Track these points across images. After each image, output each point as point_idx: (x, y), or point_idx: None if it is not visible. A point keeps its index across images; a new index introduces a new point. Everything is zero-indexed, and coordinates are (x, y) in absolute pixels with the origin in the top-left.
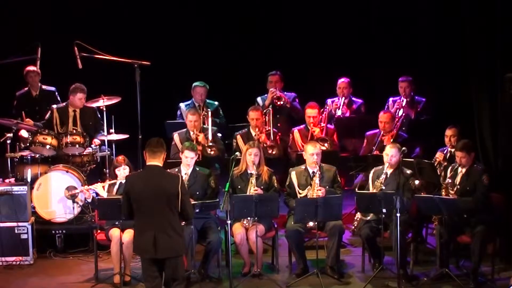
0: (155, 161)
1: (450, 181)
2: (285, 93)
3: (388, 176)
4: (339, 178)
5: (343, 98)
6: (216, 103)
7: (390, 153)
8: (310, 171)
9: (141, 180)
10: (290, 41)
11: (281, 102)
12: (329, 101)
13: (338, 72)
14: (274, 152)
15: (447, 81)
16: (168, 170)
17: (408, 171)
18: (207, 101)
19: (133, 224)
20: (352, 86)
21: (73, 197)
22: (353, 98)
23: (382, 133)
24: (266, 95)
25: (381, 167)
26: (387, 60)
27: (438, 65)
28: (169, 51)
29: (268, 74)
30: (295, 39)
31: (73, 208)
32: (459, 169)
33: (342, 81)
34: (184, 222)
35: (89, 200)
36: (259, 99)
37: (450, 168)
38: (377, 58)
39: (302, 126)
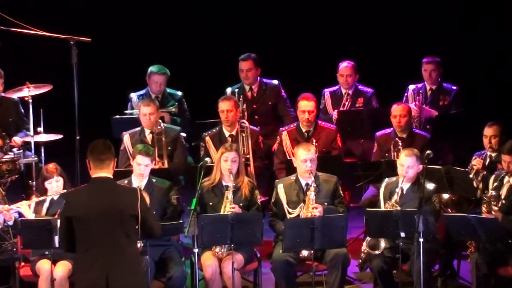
0: (104, 171)
1: (494, 193)
2: (265, 80)
3: (404, 192)
4: (341, 192)
5: (347, 89)
6: (180, 93)
7: (406, 163)
8: (303, 183)
9: (87, 198)
10: (272, 12)
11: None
12: (326, 92)
13: (340, 53)
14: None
15: (485, 65)
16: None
17: (431, 186)
18: (168, 91)
19: (75, 258)
20: (358, 71)
21: None
22: (360, 87)
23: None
24: (237, 85)
25: (395, 179)
26: (405, 35)
27: (473, 43)
28: (117, 25)
29: (239, 58)
30: (278, 10)
31: None
32: (506, 178)
33: (344, 65)
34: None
35: (10, 223)
36: (228, 90)
37: (493, 177)
38: (391, 33)
39: (293, 126)
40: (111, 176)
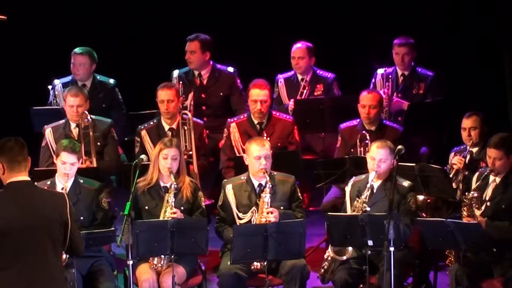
0: (22, 175)
1: (476, 194)
2: (218, 66)
3: (375, 191)
4: (300, 194)
5: (302, 74)
6: (112, 81)
7: (379, 155)
8: (256, 183)
9: (6, 208)
10: None
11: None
12: (280, 78)
13: (295, 32)
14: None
15: (466, 46)
16: (35, 183)
17: (406, 183)
18: (98, 78)
19: None
20: (314, 53)
21: None
22: (319, 72)
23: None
24: (185, 69)
25: (363, 177)
26: (372, 10)
27: (450, 20)
28: (38, 0)
29: (187, 39)
30: None
31: None
32: (491, 177)
33: (297, 47)
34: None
35: None
36: (175, 73)
37: (476, 175)
38: (355, 7)
39: (243, 117)
40: (30, 180)
